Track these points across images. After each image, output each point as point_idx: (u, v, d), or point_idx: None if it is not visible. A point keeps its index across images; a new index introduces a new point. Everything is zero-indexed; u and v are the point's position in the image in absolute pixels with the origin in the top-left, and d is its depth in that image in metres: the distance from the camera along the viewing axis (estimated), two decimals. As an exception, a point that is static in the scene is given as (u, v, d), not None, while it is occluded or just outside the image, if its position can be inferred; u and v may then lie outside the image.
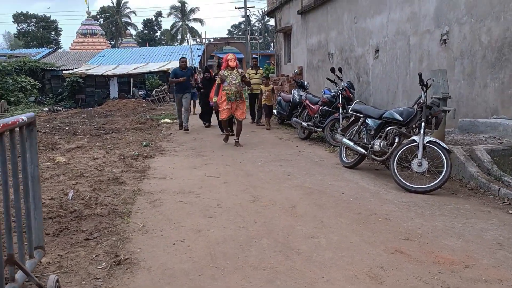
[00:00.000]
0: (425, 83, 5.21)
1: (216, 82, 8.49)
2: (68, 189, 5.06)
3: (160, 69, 25.13)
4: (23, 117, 2.64)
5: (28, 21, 58.23)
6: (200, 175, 5.86)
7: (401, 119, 5.39)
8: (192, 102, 14.74)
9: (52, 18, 59.29)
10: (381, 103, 9.63)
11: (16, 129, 2.55)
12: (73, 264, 3.06)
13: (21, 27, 58.42)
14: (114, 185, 5.28)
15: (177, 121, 11.69)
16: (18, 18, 57.62)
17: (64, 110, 21.05)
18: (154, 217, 4.08)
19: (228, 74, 8.21)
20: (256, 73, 11.79)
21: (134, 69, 25.91)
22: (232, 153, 7.54)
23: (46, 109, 20.73)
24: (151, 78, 25.70)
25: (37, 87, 24.50)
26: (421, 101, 5.28)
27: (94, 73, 25.16)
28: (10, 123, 2.41)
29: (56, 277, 2.56)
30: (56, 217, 4.04)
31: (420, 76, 5.22)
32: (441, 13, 7.80)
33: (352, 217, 3.98)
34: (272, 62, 21.34)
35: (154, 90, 23.79)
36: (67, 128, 11.81)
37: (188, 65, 11.69)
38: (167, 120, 13.53)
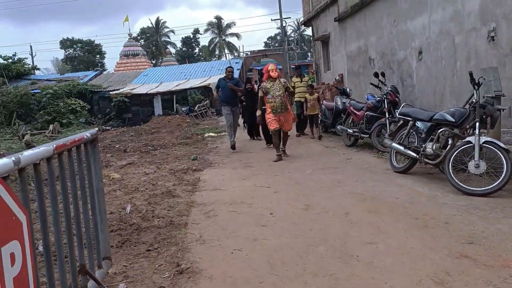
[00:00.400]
0: (476, 81, 5.05)
1: (259, 95, 8.17)
2: (126, 204, 5.26)
3: (201, 84, 25.67)
4: (87, 133, 2.80)
5: (74, 46, 61.26)
6: (250, 185, 5.93)
7: (454, 120, 5.24)
8: None
9: (96, 42, 62.14)
10: (428, 106, 9.36)
11: (81, 145, 2.71)
12: (138, 274, 3.17)
13: (68, 52, 61.55)
14: (168, 198, 5.43)
15: (224, 134, 11.59)
16: (65, 44, 60.77)
17: (112, 129, 21.89)
18: (210, 228, 4.16)
19: (270, 86, 7.90)
20: (301, 81, 11.51)
21: (176, 86, 26.60)
22: (279, 163, 7.57)
23: (96, 129, 21.58)
24: (193, 94, 26.27)
25: (86, 108, 25.62)
26: (474, 100, 5.12)
27: (139, 92, 26.04)
28: (77, 139, 2.56)
29: (125, 286, 2.67)
30: (118, 230, 4.21)
31: (471, 74, 5.07)
32: (487, 9, 7.54)
33: (409, 222, 3.89)
34: (312, 71, 21.31)
35: (197, 106, 24.30)
36: (117, 146, 12.27)
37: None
38: (211, 134, 13.77)
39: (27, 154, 1.85)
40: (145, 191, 5.94)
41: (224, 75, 10.14)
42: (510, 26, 6.98)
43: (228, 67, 10.31)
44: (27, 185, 1.89)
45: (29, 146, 14.18)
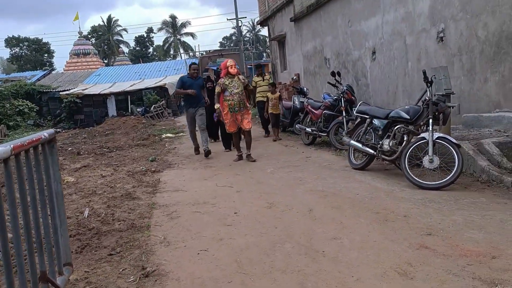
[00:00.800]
0: (429, 79, 5.27)
1: (216, 90, 7.63)
2: (83, 207, 5.07)
3: (157, 84, 25.26)
4: (45, 133, 2.67)
5: (21, 44, 58.51)
6: (212, 185, 5.88)
7: (408, 117, 5.44)
8: None
9: (44, 40, 59.59)
10: (381, 104, 9.69)
11: (39, 146, 2.58)
12: (102, 279, 3.06)
13: (13, 51, 58.66)
14: (128, 201, 5.29)
15: (182, 134, 11.36)
16: (11, 42, 57.89)
17: (63, 131, 21.07)
18: (174, 229, 4.09)
19: (229, 83, 7.43)
20: (263, 80, 11.10)
21: (131, 86, 26.01)
22: (240, 163, 7.56)
23: (53, 129, 20.71)
24: (148, 94, 25.79)
25: (34, 110, 24.53)
26: (426, 98, 5.34)
27: (91, 93, 25.25)
28: (34, 139, 2.44)
29: (89, 292, 2.57)
30: (76, 235, 4.05)
31: (424, 73, 5.29)
32: (436, 11, 7.90)
33: (370, 216, 4.00)
34: (269, 71, 21.46)
35: (153, 106, 23.89)
36: (70, 148, 11.81)
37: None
38: (169, 134, 13.56)
39: (-16, 156, 1.74)
40: (103, 194, 5.76)
41: (188, 73, 9.05)
42: (458, 27, 7.35)
43: (192, 63, 9.23)
44: (-16, 189, 1.78)
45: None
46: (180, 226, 4.18)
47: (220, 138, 9.82)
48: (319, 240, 3.51)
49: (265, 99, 10.56)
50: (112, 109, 25.62)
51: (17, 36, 58.51)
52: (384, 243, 3.34)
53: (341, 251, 3.24)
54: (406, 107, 5.72)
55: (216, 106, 7.62)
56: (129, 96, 25.81)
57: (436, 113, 5.18)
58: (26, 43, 58.57)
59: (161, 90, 25.61)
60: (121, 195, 5.56)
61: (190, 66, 9.20)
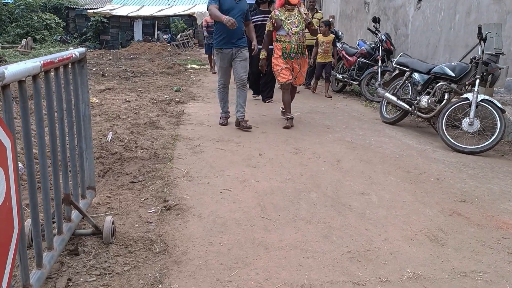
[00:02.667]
0: (483, 36, 4.86)
1: (267, 28, 5.58)
2: (106, 131, 5.01)
3: (185, 12, 24.44)
4: (76, 52, 2.51)
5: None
6: (237, 123, 5.73)
7: (453, 75, 5.09)
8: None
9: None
10: (419, 57, 9.18)
11: (69, 65, 2.43)
12: (123, 206, 3.03)
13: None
14: (151, 129, 5.20)
15: (207, 67, 10.64)
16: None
17: (89, 50, 20.88)
18: (197, 164, 4.01)
19: (285, 18, 5.37)
20: (312, 18, 7.72)
21: (159, 11, 25.27)
22: (267, 104, 7.34)
23: (72, 48, 20.60)
24: (176, 21, 25.12)
25: (61, 25, 24.26)
26: (476, 56, 4.96)
27: (119, 14, 24.65)
28: (65, 57, 2.28)
29: (112, 218, 2.52)
30: (99, 158, 4.01)
31: (480, 28, 4.87)
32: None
33: (401, 175, 3.84)
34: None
35: (179, 35, 23.32)
36: (94, 69, 11.70)
37: None
38: (194, 65, 13.28)
39: (13, 69, 1.59)
40: (126, 119, 5.68)
41: None
42: (519, -18, 6.70)
43: None
44: (12, 104, 1.65)
45: (0, 59, 13.38)
46: (203, 161, 4.09)
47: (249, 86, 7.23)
48: (346, 194, 3.38)
49: (313, 43, 8.14)
50: (138, 33, 25.15)
51: None
52: (414, 204, 3.20)
53: (369, 208, 3.12)
54: (452, 63, 5.34)
55: (263, 54, 5.58)
56: (156, 22, 25.20)
57: (484, 74, 4.83)
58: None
59: (189, 19, 24.90)
60: (145, 122, 5.48)
61: None
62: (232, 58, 5.41)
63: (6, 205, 1.51)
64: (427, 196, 3.36)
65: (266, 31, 5.61)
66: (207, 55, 12.25)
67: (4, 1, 23.55)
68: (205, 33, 11.64)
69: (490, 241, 2.66)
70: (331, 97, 8.18)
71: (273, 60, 5.62)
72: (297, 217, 2.96)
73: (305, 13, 5.47)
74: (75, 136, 2.61)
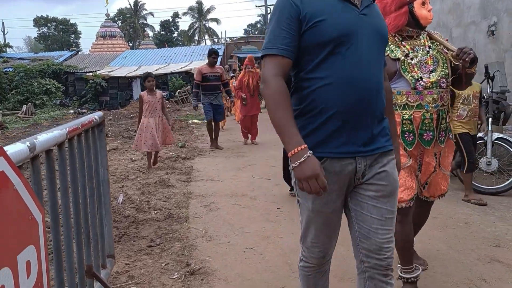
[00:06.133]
0: (491, 75, 4.88)
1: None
2: (116, 193, 4.89)
3: (182, 69, 25.05)
4: (96, 116, 2.46)
5: (49, 24, 59.01)
6: (247, 176, 5.63)
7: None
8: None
9: (71, 21, 60.02)
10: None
11: (89, 130, 2.37)
12: (144, 273, 2.86)
13: (41, 30, 59.27)
14: (162, 188, 5.09)
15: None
16: (39, 22, 58.46)
17: (89, 112, 21.11)
18: (214, 222, 3.87)
19: (406, 55, 2.45)
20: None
21: (156, 70, 25.85)
22: (274, 153, 7.27)
23: (72, 111, 20.82)
24: (174, 78, 25.60)
25: (61, 89, 24.63)
26: (484, 95, 4.97)
27: (117, 75, 25.21)
28: (87, 122, 2.23)
29: (136, 290, 2.36)
30: (112, 223, 3.86)
31: (487, 68, 4.90)
32: (488, 3, 7.43)
33: (428, 221, 3.69)
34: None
35: (177, 91, 23.72)
36: (97, 129, 11.71)
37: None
38: (195, 120, 13.38)
39: (42, 138, 1.51)
40: (136, 179, 5.58)
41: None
42: (511, 21, 6.88)
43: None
44: (40, 175, 1.56)
45: (1, 127, 13.45)
46: (220, 219, 3.95)
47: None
48: (375, 245, 3.22)
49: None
50: (137, 92, 25.51)
51: (45, 16, 59.10)
52: (449, 253, 3.05)
53: (402, 259, 2.96)
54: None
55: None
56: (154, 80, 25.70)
57: (495, 112, 4.81)
58: (54, 23, 59.02)
59: (186, 75, 25.41)
60: (155, 181, 5.37)
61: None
62: (354, 185, 1.70)
63: (38, 286, 1.38)
64: (460, 243, 3.21)
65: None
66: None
67: (5, 69, 24.07)
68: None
69: (540, 289, 2.50)
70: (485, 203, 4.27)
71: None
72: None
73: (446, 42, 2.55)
74: (96, 202, 2.50)
